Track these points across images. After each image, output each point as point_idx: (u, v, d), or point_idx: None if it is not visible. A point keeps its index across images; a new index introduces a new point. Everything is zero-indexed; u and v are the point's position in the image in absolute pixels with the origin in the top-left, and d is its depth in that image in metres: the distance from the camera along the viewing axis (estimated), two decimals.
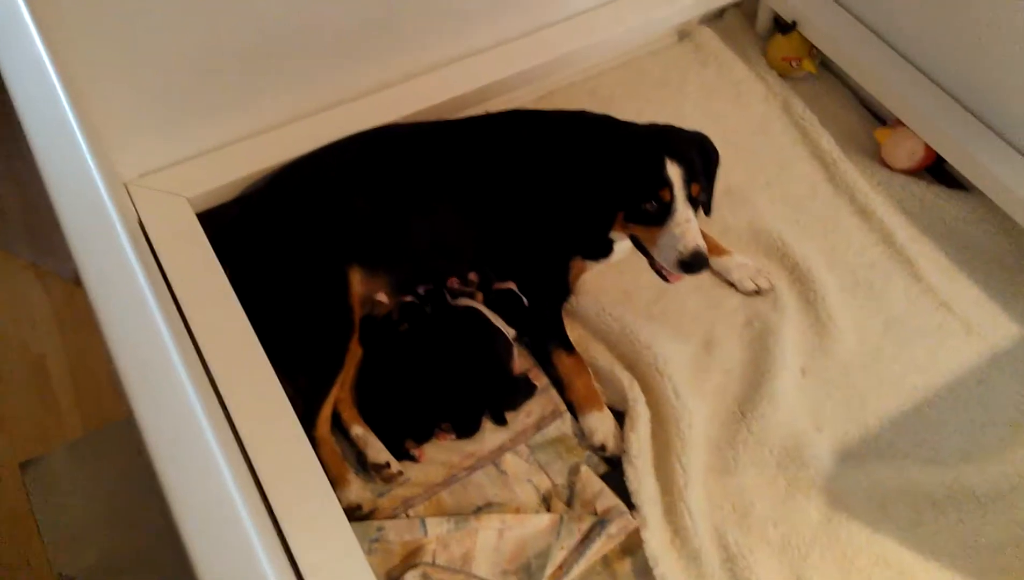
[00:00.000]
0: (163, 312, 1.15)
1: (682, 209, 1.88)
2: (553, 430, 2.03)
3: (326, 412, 1.93)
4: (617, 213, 1.96)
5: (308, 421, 1.89)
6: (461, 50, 2.43)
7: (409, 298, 2.12)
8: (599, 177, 1.95)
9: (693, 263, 1.86)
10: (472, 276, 2.18)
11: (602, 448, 1.98)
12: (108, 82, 1.91)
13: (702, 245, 1.87)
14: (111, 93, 1.94)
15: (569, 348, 2.09)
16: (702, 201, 1.97)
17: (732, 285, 2.29)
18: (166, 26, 1.88)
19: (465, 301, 2.10)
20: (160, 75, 1.97)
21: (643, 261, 2.32)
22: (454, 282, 2.15)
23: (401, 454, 1.94)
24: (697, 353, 2.17)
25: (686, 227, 1.86)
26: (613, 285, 2.29)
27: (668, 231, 1.88)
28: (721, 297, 2.29)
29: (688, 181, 1.88)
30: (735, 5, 2.88)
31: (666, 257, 1.91)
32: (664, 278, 2.01)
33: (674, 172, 1.87)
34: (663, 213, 1.89)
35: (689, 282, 2.27)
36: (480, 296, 2.12)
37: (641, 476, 1.90)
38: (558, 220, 2.09)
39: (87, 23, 1.79)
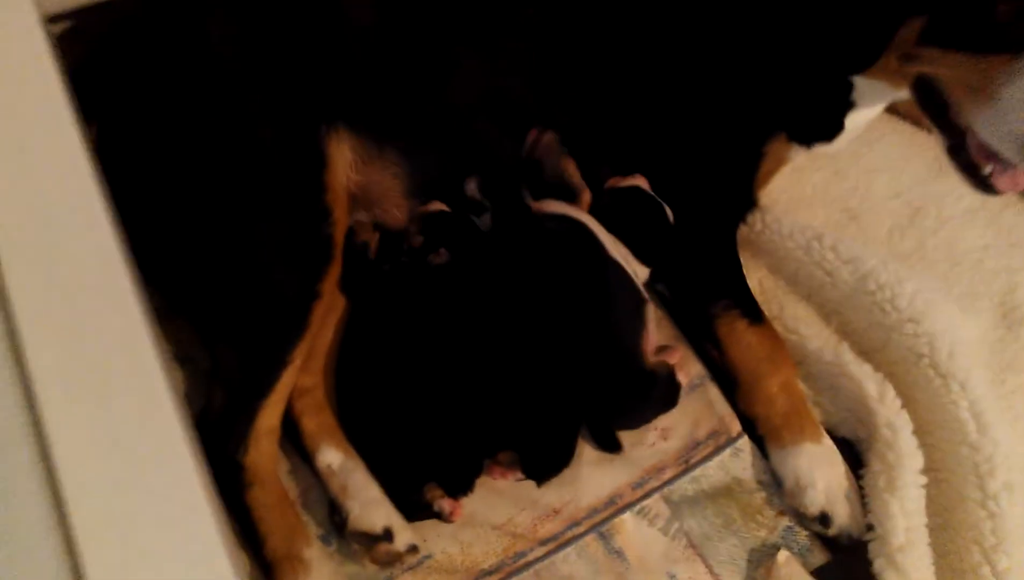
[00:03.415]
0: None
1: None
2: (716, 470, 1.10)
3: (267, 418, 1.02)
4: (905, 20, 0.98)
5: (229, 431, 1.01)
6: None
7: (436, 207, 1.17)
8: None
9: None
10: (561, 161, 1.22)
11: (822, 519, 1.05)
12: None
13: None
14: None
15: (753, 312, 1.14)
16: None
17: None
18: None
19: (557, 206, 1.14)
20: None
21: (878, 155, 1.36)
22: (550, 140, 1.18)
23: (417, 509, 1.03)
24: (996, 335, 1.20)
25: None
26: (826, 194, 1.32)
27: None
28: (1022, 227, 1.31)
29: None
30: None
31: (1016, 131, 0.92)
32: (981, 181, 1.03)
33: None
34: None
35: (968, 197, 1.31)
36: (586, 196, 1.16)
37: None
38: (759, 50, 1.12)
39: None
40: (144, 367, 0.86)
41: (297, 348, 1.03)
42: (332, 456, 1.04)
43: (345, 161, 1.12)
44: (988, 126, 0.96)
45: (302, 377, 1.07)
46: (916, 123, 1.39)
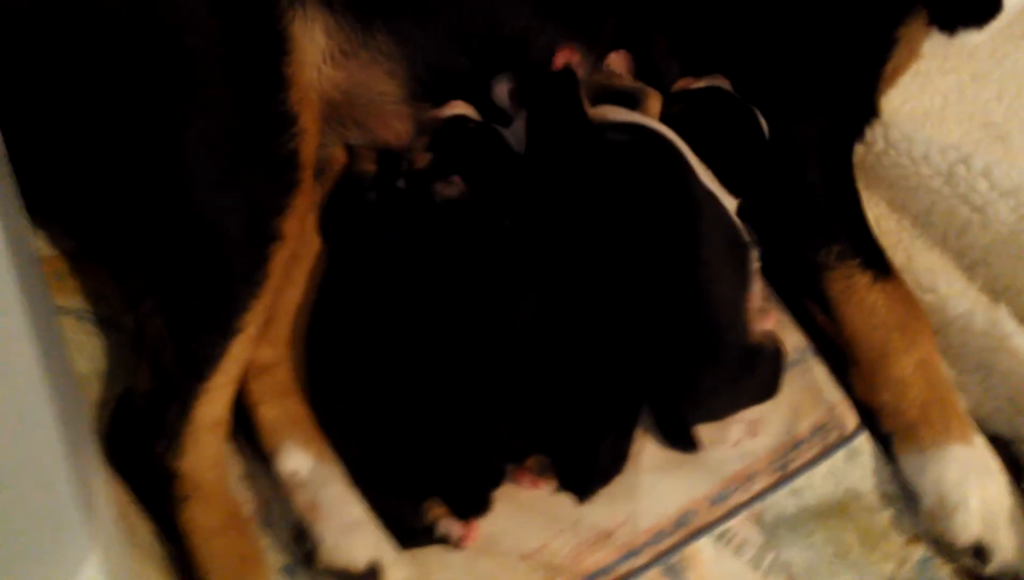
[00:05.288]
0: None
1: None
2: (825, 480, 0.83)
3: (210, 407, 0.75)
4: None
5: (159, 425, 0.74)
6: None
7: (454, 110, 0.87)
8: None
9: None
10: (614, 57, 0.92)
11: (978, 551, 0.77)
12: None
13: None
14: None
15: (878, 262, 0.85)
16: None
17: None
18: None
19: (622, 113, 0.84)
20: None
21: None
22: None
23: (415, 534, 0.76)
24: None
25: None
26: (960, 106, 1.01)
27: None
28: None
29: None
30: None
31: None
32: None
33: None
34: None
35: None
36: (655, 102, 0.86)
37: None
38: None
39: None
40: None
41: (250, 310, 0.75)
42: (299, 459, 0.76)
43: (317, 49, 0.83)
44: None
45: (260, 350, 0.79)
46: None
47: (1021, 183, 0.87)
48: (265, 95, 0.76)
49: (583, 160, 0.80)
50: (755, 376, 0.80)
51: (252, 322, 0.75)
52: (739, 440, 0.83)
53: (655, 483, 0.81)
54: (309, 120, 0.79)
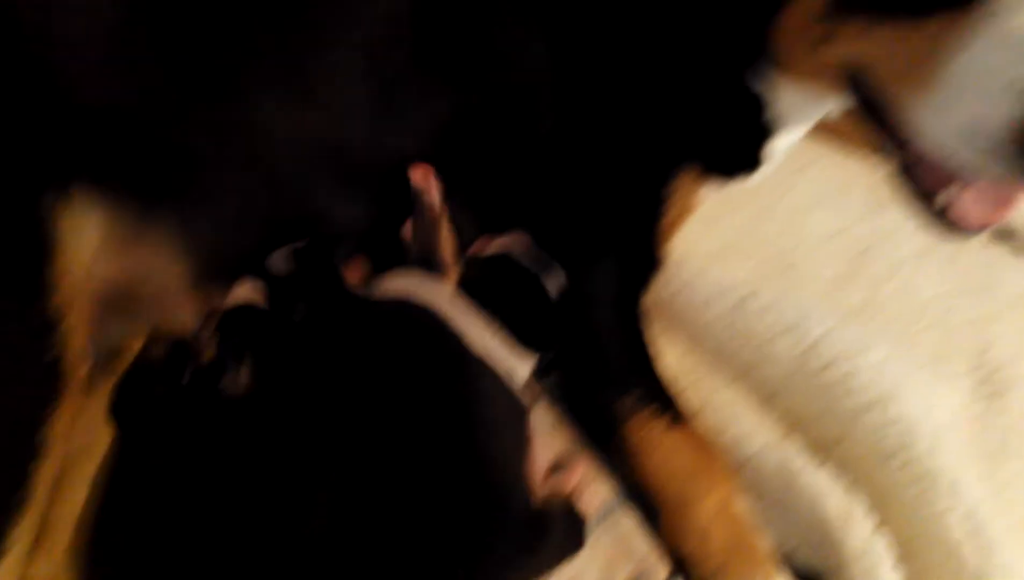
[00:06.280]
0: None
1: None
2: None
3: None
4: None
5: None
6: None
7: (241, 297, 0.86)
8: None
9: None
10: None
11: None
12: None
13: None
14: None
15: (673, 409, 0.86)
16: None
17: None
18: None
19: (401, 281, 0.85)
20: None
21: (807, 187, 1.15)
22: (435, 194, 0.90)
23: None
24: (975, 410, 0.95)
25: None
26: (751, 240, 1.07)
27: (993, 29, 0.63)
28: (990, 267, 1.09)
29: None
30: None
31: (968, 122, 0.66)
32: (937, 214, 0.78)
33: None
34: None
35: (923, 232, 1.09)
36: (453, 274, 0.88)
37: None
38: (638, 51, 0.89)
39: None
40: None
41: (13, 533, 0.70)
42: None
43: (90, 243, 0.80)
44: (931, 124, 0.69)
45: (35, 566, 0.74)
46: (849, 143, 1.17)
47: (798, 319, 0.92)
48: (23, 302, 0.73)
49: (350, 336, 0.80)
50: (551, 537, 0.79)
51: (16, 544, 0.70)
52: None
53: None
54: (77, 320, 0.76)
